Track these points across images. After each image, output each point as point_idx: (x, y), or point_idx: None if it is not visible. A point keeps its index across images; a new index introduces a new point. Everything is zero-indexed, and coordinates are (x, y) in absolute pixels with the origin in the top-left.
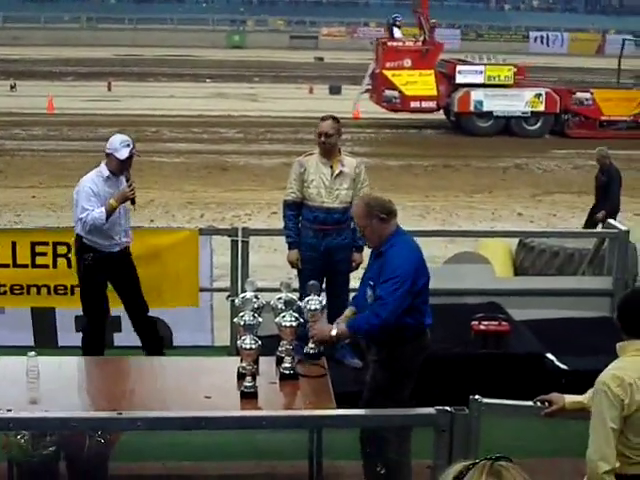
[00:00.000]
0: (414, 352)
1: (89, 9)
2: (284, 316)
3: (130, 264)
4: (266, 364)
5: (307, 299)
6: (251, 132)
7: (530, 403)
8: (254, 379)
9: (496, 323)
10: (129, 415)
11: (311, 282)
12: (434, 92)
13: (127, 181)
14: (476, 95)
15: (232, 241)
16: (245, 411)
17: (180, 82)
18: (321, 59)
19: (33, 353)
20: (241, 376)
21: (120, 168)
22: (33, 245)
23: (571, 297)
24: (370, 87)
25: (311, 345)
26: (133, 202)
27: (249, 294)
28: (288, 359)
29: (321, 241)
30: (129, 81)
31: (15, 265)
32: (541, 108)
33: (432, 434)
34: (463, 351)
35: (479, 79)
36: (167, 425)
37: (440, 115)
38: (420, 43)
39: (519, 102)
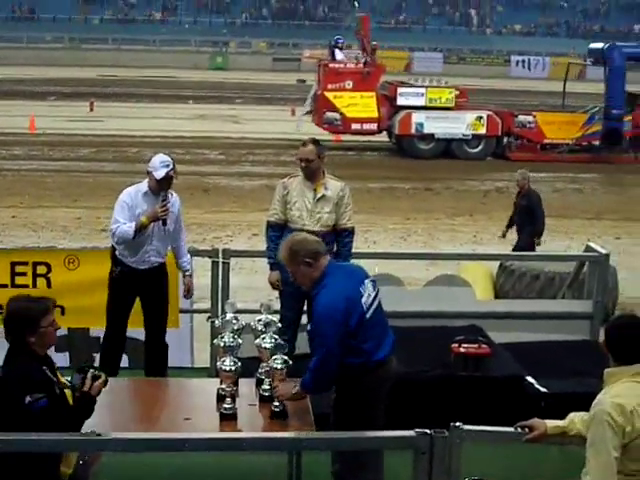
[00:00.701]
0: (369, 387)
1: (72, 29)
2: (264, 338)
3: (158, 285)
4: (246, 386)
5: (273, 357)
6: (233, 154)
7: (511, 429)
8: (234, 401)
9: (476, 346)
10: (106, 436)
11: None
12: (375, 114)
13: (163, 201)
14: (417, 117)
15: (213, 262)
16: (225, 432)
17: (162, 103)
18: (303, 81)
19: None
20: (221, 398)
21: (157, 187)
22: (13, 265)
23: (551, 320)
24: (312, 109)
25: (276, 403)
26: (164, 223)
27: (229, 315)
28: (268, 381)
29: None
30: (111, 101)
31: None
32: (482, 131)
33: (409, 457)
34: (443, 373)
35: (420, 101)
36: (145, 446)
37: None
38: (362, 65)
39: (460, 124)
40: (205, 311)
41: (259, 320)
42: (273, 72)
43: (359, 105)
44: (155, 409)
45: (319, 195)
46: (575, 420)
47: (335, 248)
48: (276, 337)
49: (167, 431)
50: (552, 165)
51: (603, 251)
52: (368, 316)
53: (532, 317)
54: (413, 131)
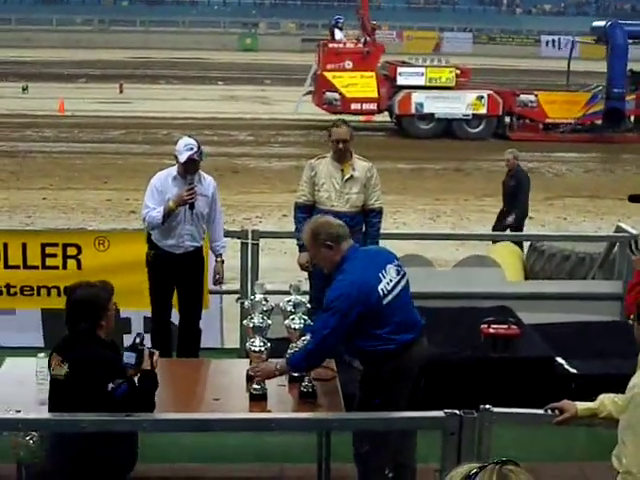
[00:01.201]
0: (391, 371)
1: (101, 11)
2: (293, 319)
3: (195, 270)
4: None
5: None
6: (262, 135)
7: (541, 411)
8: (263, 381)
9: (506, 327)
10: (137, 416)
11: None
12: (375, 94)
13: (189, 184)
14: (417, 97)
15: (242, 243)
16: (254, 413)
17: (191, 84)
18: None
19: (43, 354)
20: (250, 378)
21: (183, 170)
22: (43, 246)
23: (581, 301)
24: (312, 89)
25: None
26: (192, 206)
27: (258, 296)
28: None
29: None
30: (140, 83)
31: (25, 266)
32: (483, 110)
33: (439, 437)
34: (472, 354)
35: (420, 81)
36: (175, 427)
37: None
38: (361, 45)
39: (460, 104)
40: (235, 292)
41: (288, 301)
42: (302, 53)
43: (359, 85)
44: (185, 389)
45: (347, 176)
46: (605, 402)
47: (364, 228)
48: (305, 318)
49: (196, 411)
50: (553, 145)
51: (634, 231)
52: (386, 302)
53: (562, 298)
54: (413, 111)
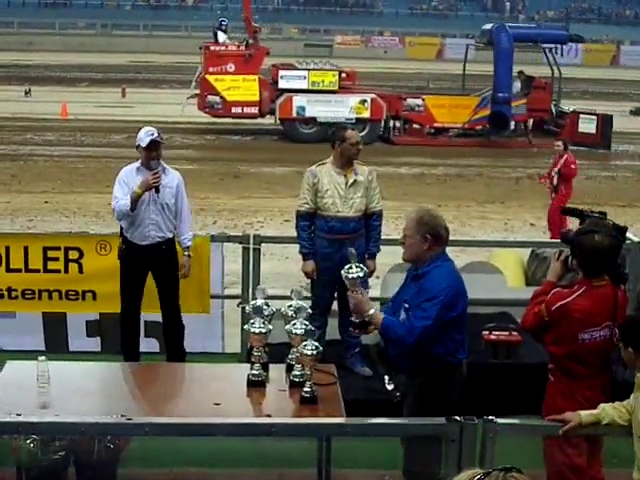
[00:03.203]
0: (444, 388)
1: (104, 15)
2: (294, 324)
3: (164, 262)
4: (276, 371)
5: (303, 343)
6: (263, 140)
7: (545, 422)
8: (263, 367)
9: (507, 333)
10: (137, 420)
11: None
12: (256, 98)
13: (154, 169)
14: (298, 101)
15: (243, 248)
16: (254, 418)
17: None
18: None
19: (43, 358)
20: (251, 383)
21: (146, 157)
22: (45, 250)
23: None
24: (198, 92)
25: (306, 389)
26: (157, 190)
27: (259, 301)
28: (298, 367)
29: (336, 251)
30: (143, 87)
31: (27, 270)
32: (366, 114)
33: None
34: (474, 361)
35: (303, 84)
36: (175, 431)
37: None
38: (243, 48)
39: (343, 108)
40: (236, 297)
41: (289, 306)
42: (305, 57)
43: (241, 88)
44: (185, 394)
45: (351, 181)
46: (607, 409)
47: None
48: (306, 323)
49: (197, 416)
50: (439, 150)
51: (636, 239)
52: (467, 312)
53: None
54: (294, 115)
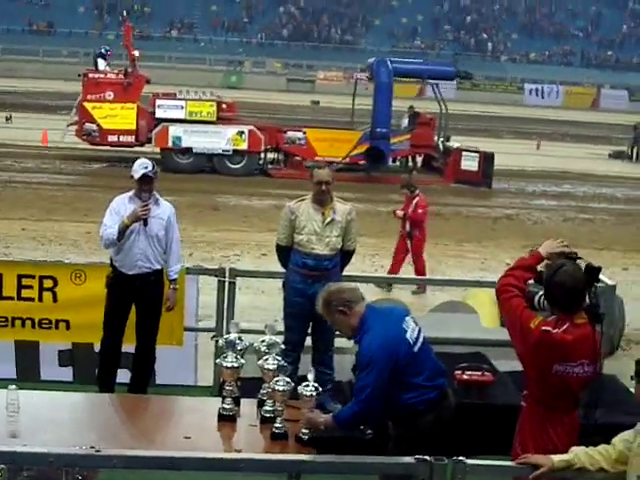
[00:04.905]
0: (432, 424)
1: (88, 44)
2: (267, 359)
3: (149, 294)
4: (248, 406)
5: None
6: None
7: (516, 464)
8: (235, 402)
9: (479, 373)
10: (106, 452)
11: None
12: (133, 126)
13: (144, 201)
14: (174, 131)
15: (219, 281)
16: (223, 453)
17: None
18: (317, 102)
19: (14, 386)
20: (222, 418)
21: (138, 188)
22: (20, 278)
23: None
24: (77, 119)
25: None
26: (145, 223)
27: (233, 335)
28: (270, 402)
29: (310, 287)
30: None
31: (0, 297)
32: (244, 146)
33: None
34: None
35: (180, 114)
36: (144, 464)
37: None
38: (122, 76)
39: (220, 139)
40: (210, 330)
41: (262, 341)
42: (287, 92)
43: (118, 117)
44: (155, 427)
45: (328, 219)
46: (579, 454)
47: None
48: (279, 359)
49: (167, 449)
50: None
51: (610, 282)
52: (416, 349)
53: None
54: (170, 144)
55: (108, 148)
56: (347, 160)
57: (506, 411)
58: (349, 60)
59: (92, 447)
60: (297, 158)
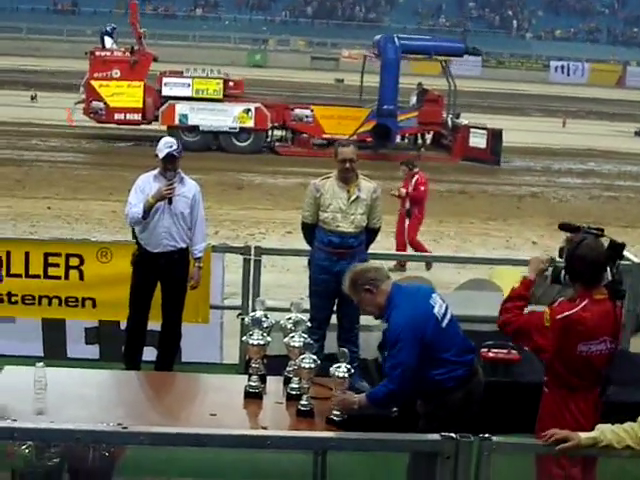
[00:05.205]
0: (462, 402)
1: (112, 23)
2: (293, 336)
3: (174, 272)
4: (274, 384)
5: (301, 356)
6: (145, 146)
7: (541, 442)
8: (261, 379)
9: (505, 351)
10: (133, 429)
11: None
12: (139, 104)
13: (169, 180)
14: (181, 109)
15: (244, 259)
16: (250, 430)
17: None
18: (341, 80)
19: (41, 364)
20: (248, 395)
21: (163, 167)
22: (46, 256)
23: None
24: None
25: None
26: (170, 201)
27: (259, 313)
28: (296, 380)
29: (335, 264)
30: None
31: (27, 275)
32: (250, 124)
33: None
34: None
35: (187, 92)
36: (170, 441)
37: None
38: (129, 54)
39: (227, 117)
40: (236, 308)
41: (289, 318)
42: (311, 70)
43: (124, 95)
44: (181, 404)
45: (353, 197)
46: (606, 432)
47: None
48: (305, 336)
49: (193, 426)
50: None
51: (636, 260)
52: (444, 325)
53: None
54: (177, 122)
55: (134, 127)
56: (354, 137)
57: (532, 389)
58: (373, 38)
59: (119, 424)
60: (304, 135)
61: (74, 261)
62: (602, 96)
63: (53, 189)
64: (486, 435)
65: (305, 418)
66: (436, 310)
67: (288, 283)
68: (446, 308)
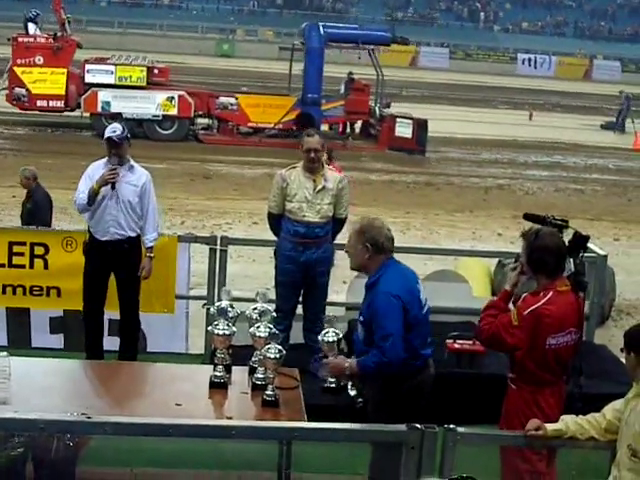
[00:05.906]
0: (413, 392)
1: (78, 11)
2: (258, 326)
3: (125, 260)
4: (239, 374)
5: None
6: (69, 133)
7: (506, 432)
8: (226, 369)
9: (471, 342)
10: (97, 419)
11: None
12: (62, 91)
13: (112, 165)
14: (104, 96)
15: (210, 249)
16: (215, 420)
17: None
18: None
19: (5, 353)
20: (214, 385)
21: (108, 151)
22: (11, 245)
23: None
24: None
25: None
26: (113, 187)
27: (224, 303)
28: (261, 370)
29: (300, 254)
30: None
31: None
32: (174, 112)
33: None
34: (436, 369)
35: (110, 79)
36: (135, 431)
37: None
38: (52, 40)
39: (150, 105)
40: (202, 298)
41: (254, 308)
42: (279, 60)
43: (47, 81)
44: (147, 394)
45: (319, 187)
46: (569, 423)
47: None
48: (270, 326)
49: (158, 416)
50: (250, 149)
51: (601, 252)
52: (424, 312)
53: None
54: (99, 110)
55: (59, 114)
56: (280, 126)
57: (497, 380)
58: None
59: (83, 414)
60: (230, 124)
61: (39, 250)
62: (569, 89)
63: (17, 177)
64: (451, 426)
65: (270, 408)
66: (421, 296)
67: (254, 273)
68: (426, 299)
